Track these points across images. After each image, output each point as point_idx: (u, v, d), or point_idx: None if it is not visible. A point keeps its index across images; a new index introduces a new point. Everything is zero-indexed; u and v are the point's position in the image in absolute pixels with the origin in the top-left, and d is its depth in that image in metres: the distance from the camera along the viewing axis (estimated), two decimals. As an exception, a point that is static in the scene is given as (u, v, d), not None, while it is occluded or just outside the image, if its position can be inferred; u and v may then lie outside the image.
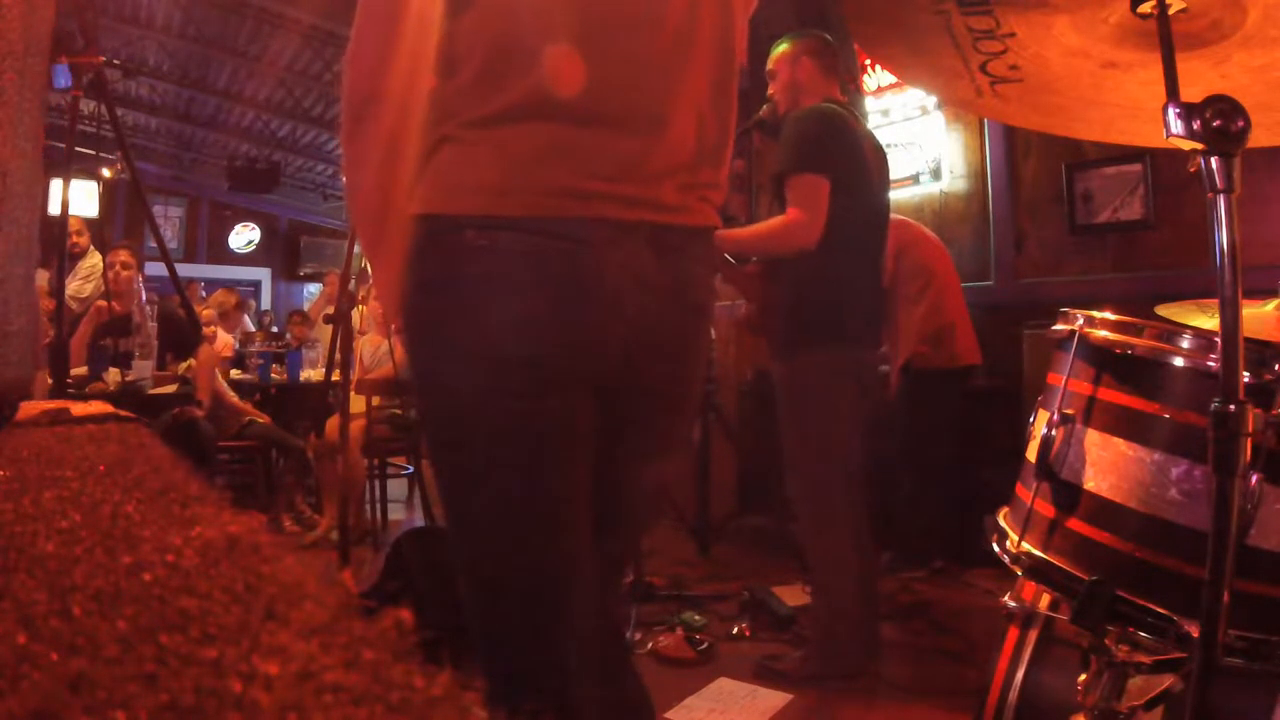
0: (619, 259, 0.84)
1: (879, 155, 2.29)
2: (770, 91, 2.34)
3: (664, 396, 0.95)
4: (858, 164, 2.15)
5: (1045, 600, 1.33)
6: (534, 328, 0.82)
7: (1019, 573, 1.18)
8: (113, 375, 3.07)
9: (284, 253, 11.42)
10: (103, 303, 3.38)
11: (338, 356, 2.69)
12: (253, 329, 6.88)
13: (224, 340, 4.63)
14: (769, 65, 2.34)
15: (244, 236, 11.10)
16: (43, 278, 3.01)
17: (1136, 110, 1.12)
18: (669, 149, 0.87)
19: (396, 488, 4.44)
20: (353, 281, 2.83)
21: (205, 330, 4.54)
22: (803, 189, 2.04)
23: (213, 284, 9.16)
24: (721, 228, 1.01)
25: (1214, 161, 0.85)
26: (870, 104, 4.24)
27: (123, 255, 3.61)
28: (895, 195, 2.84)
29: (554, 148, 0.82)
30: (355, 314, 3.45)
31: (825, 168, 2.05)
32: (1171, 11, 0.92)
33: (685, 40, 0.88)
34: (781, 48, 2.31)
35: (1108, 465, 1.08)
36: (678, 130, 0.88)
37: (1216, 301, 0.86)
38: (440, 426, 0.89)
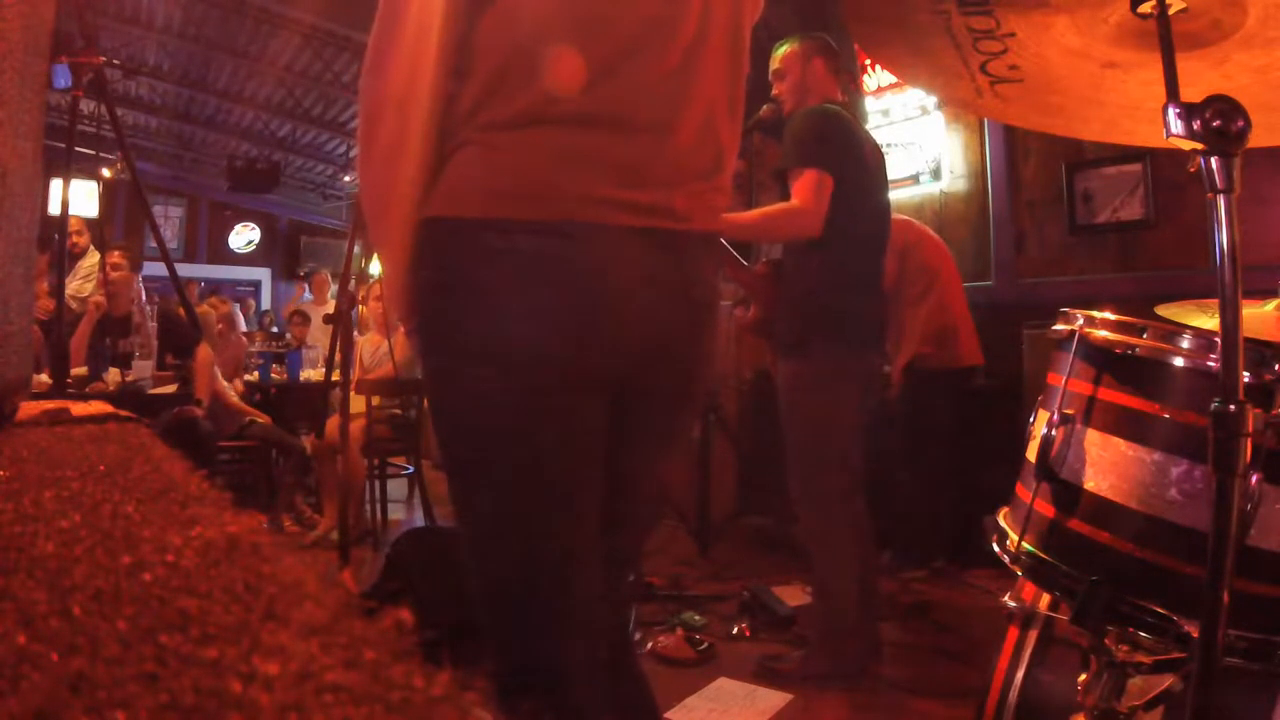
0: (630, 260, 0.85)
1: (877, 156, 2.31)
2: (776, 91, 2.34)
3: (673, 394, 0.97)
4: (860, 164, 2.18)
5: (1045, 600, 1.33)
6: (549, 328, 0.83)
7: (1019, 573, 1.18)
8: (113, 375, 3.07)
9: (284, 253, 11.43)
10: (98, 298, 3.38)
11: (338, 356, 2.69)
12: (245, 329, 6.87)
13: (206, 353, 3.89)
14: (775, 65, 2.34)
15: (244, 236, 11.11)
16: (42, 280, 3.01)
17: (1136, 110, 1.12)
18: (682, 156, 0.89)
19: (396, 488, 4.44)
20: (353, 281, 2.83)
21: (221, 329, 4.52)
22: (806, 182, 2.07)
23: (212, 284, 9.18)
24: (724, 231, 1.03)
25: (1214, 161, 0.85)
26: (870, 104, 4.24)
27: (114, 257, 3.60)
28: (895, 195, 2.84)
29: (571, 154, 0.83)
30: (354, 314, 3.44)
31: (829, 165, 2.07)
32: (1171, 11, 0.92)
33: (698, 48, 0.89)
34: (790, 47, 2.31)
35: (1108, 465, 1.08)
36: (691, 138, 0.90)
37: (1216, 301, 0.86)
38: (453, 425, 0.90)
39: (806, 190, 2.06)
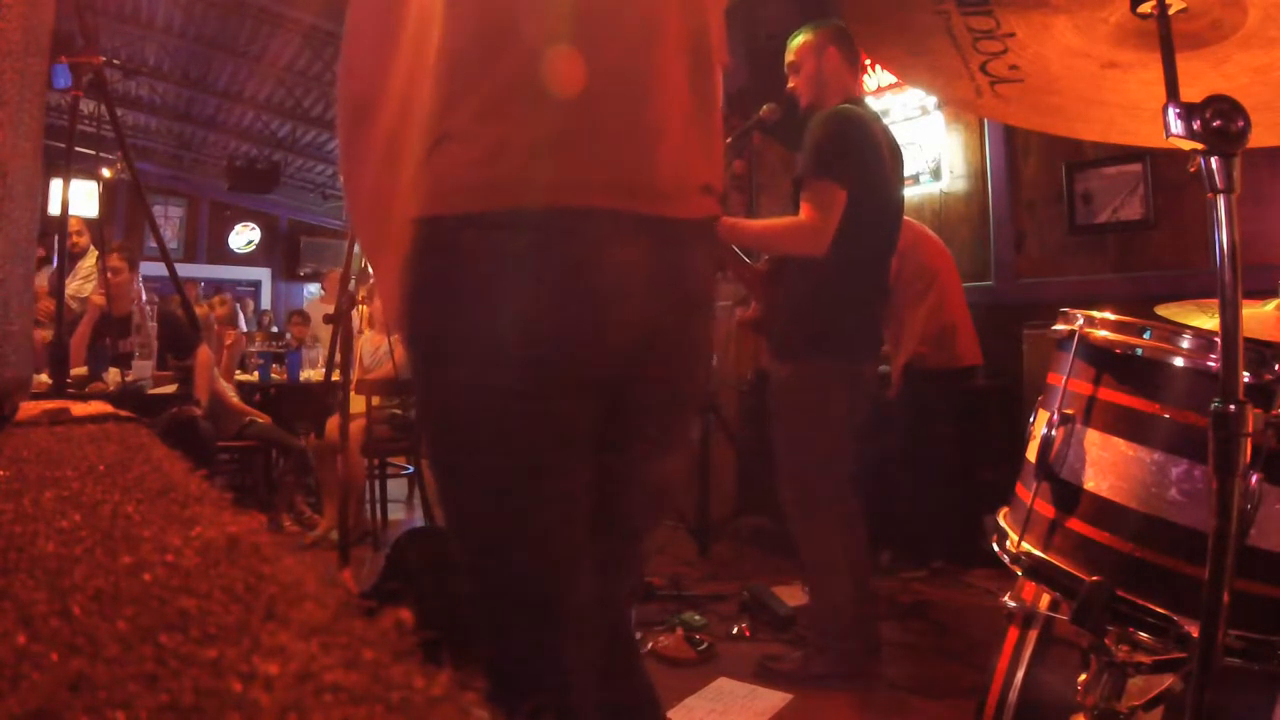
0: (620, 255, 0.84)
1: (896, 155, 2.23)
2: (791, 85, 2.25)
3: (668, 391, 0.95)
4: (877, 171, 2.10)
5: (1045, 600, 1.33)
6: (536, 327, 0.82)
7: (1019, 573, 1.18)
8: (113, 375, 3.07)
9: (284, 253, 11.42)
10: (97, 297, 3.38)
11: (338, 356, 2.70)
12: (245, 329, 6.89)
13: (206, 354, 3.83)
14: (790, 57, 2.24)
15: (244, 236, 11.10)
16: (41, 278, 3.01)
17: (1136, 110, 1.12)
18: (660, 139, 0.87)
19: (396, 488, 4.44)
20: (353, 281, 2.83)
21: (218, 330, 4.53)
22: (819, 195, 2.00)
23: (213, 284, 9.18)
24: (722, 220, 1.01)
25: (1214, 161, 0.85)
26: (870, 104, 4.23)
27: (112, 260, 3.60)
28: (895, 195, 2.82)
29: (545, 139, 0.82)
30: (355, 314, 3.44)
31: (844, 176, 2.00)
32: (1171, 11, 0.92)
33: (654, 30, 0.87)
34: (804, 38, 2.21)
35: (1108, 465, 1.08)
36: (663, 119, 0.87)
37: (1216, 301, 0.86)
38: (442, 428, 0.89)
39: (817, 207, 1.99)
